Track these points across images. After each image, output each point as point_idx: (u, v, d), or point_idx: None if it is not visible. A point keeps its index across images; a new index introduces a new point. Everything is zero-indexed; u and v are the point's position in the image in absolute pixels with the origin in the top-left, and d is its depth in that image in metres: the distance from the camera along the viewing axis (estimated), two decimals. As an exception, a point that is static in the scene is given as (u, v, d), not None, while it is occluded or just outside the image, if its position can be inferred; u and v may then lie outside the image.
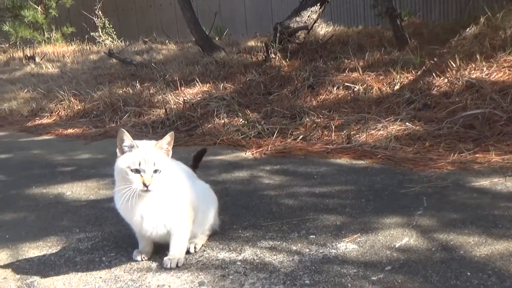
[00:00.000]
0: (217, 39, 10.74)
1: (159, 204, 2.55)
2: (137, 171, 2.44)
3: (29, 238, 3.14)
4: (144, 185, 2.42)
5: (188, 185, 2.74)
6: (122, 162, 2.48)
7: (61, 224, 3.35)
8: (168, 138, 2.54)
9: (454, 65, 5.82)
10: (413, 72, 6.19)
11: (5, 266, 2.76)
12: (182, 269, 2.57)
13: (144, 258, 2.71)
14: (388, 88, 6.01)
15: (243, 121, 5.66)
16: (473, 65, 5.79)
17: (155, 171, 2.45)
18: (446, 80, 5.68)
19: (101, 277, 2.56)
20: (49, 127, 7.17)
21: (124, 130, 2.50)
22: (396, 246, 2.67)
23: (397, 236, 2.79)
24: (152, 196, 2.52)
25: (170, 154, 2.60)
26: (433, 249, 2.62)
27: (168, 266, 2.58)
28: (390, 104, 5.58)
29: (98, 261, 2.75)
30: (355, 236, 2.83)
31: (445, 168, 3.90)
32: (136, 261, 2.69)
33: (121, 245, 2.91)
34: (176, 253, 2.64)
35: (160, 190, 2.50)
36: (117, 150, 2.52)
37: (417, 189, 3.52)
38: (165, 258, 2.63)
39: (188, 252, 2.73)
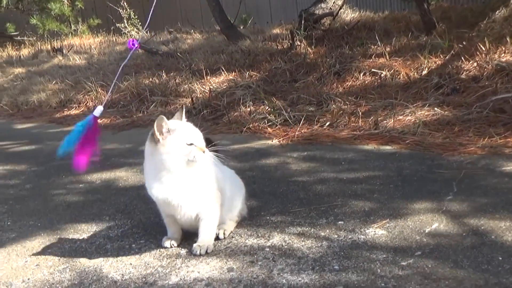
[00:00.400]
0: (242, 27, 10.73)
1: (190, 185, 2.60)
2: (191, 144, 2.56)
3: (60, 226, 3.20)
4: (203, 151, 2.57)
5: (215, 170, 2.77)
6: (173, 142, 2.55)
7: (92, 212, 3.40)
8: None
9: (483, 49, 5.71)
10: (441, 57, 6.10)
11: (38, 254, 2.81)
12: (211, 256, 2.58)
13: (173, 245, 2.73)
14: (415, 73, 5.93)
15: (269, 109, 5.65)
16: (503, 48, 5.68)
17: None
18: (475, 64, 5.58)
19: (131, 264, 2.59)
20: (78, 118, 7.22)
21: (163, 116, 2.56)
22: (426, 232, 2.64)
23: (427, 222, 2.76)
24: (183, 177, 2.57)
25: None
26: (463, 234, 2.58)
27: (198, 252, 2.60)
28: (418, 89, 5.51)
29: (128, 248, 2.79)
30: (384, 221, 2.81)
31: (475, 153, 3.84)
32: (165, 247, 2.72)
33: (151, 232, 2.94)
34: (205, 239, 2.66)
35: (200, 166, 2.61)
36: (157, 135, 2.54)
37: (447, 174, 3.47)
38: (194, 245, 2.65)
39: (217, 238, 2.74)
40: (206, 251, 2.62)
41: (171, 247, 2.73)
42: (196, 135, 2.61)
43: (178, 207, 2.63)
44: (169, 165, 2.54)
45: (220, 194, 2.75)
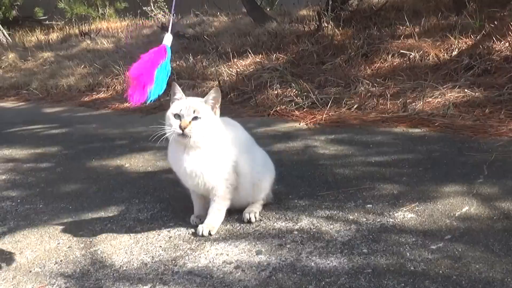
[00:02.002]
0: (268, 9, 10.66)
1: (203, 159, 2.60)
2: (178, 116, 2.56)
3: (91, 209, 3.24)
4: (180, 128, 2.52)
5: (236, 152, 2.73)
6: (169, 110, 2.61)
7: (121, 195, 3.44)
8: (213, 93, 2.63)
9: (515, 28, 5.60)
10: (472, 37, 5.99)
11: (70, 236, 2.86)
12: (240, 238, 2.60)
13: (195, 222, 2.80)
14: (445, 54, 5.84)
15: (296, 92, 5.63)
16: (536, 28, 5.55)
17: (195, 118, 2.54)
18: (507, 44, 5.47)
19: (161, 246, 2.62)
20: (106, 102, 7.33)
21: (176, 83, 2.63)
22: (456, 215, 2.62)
23: (457, 205, 2.73)
24: (196, 150, 2.59)
25: (218, 112, 2.66)
26: (494, 217, 2.55)
27: (200, 233, 2.65)
28: (448, 70, 5.43)
29: (157, 230, 2.82)
30: (413, 205, 2.79)
31: (507, 135, 3.78)
32: (194, 226, 2.76)
33: (179, 215, 2.96)
34: (210, 221, 2.71)
35: (201, 140, 2.57)
36: (170, 103, 2.63)
37: (477, 157, 3.42)
38: (199, 226, 2.70)
39: (249, 221, 2.76)
40: (209, 233, 2.66)
41: (194, 223, 2.79)
42: (185, 109, 2.55)
43: (191, 184, 2.69)
44: (167, 134, 2.57)
45: (238, 176, 2.73)
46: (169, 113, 2.59)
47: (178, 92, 2.64)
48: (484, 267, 2.12)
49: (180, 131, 2.52)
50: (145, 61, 2.50)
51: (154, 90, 2.47)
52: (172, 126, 2.55)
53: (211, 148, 2.61)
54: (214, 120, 2.63)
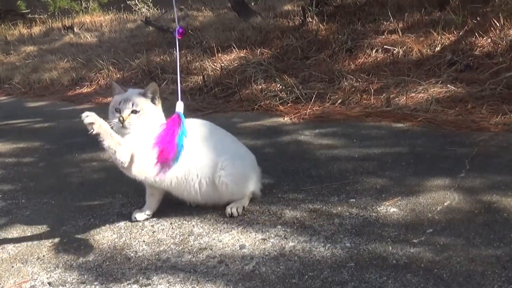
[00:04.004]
0: (253, 4, 10.65)
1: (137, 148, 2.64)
2: (117, 110, 2.64)
3: (74, 204, 3.23)
4: (120, 121, 2.61)
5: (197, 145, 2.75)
6: (110, 104, 2.71)
7: (105, 190, 3.43)
8: (151, 87, 2.72)
9: (497, 25, 5.64)
10: (455, 33, 6.03)
11: (52, 231, 2.85)
12: (224, 233, 2.60)
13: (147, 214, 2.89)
14: (428, 50, 5.87)
15: (280, 87, 5.63)
16: (518, 24, 5.60)
17: (134, 111, 2.63)
18: (489, 40, 5.52)
19: (144, 241, 2.61)
20: (90, 96, 7.29)
21: (114, 82, 2.80)
22: (438, 209, 2.64)
23: (439, 199, 2.76)
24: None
25: (158, 103, 2.73)
26: (475, 211, 2.58)
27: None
28: (431, 66, 5.47)
29: (141, 225, 2.81)
30: (395, 199, 2.81)
31: (488, 130, 3.82)
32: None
33: (163, 210, 2.95)
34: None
35: (139, 132, 2.63)
36: (111, 98, 2.75)
37: (459, 152, 3.46)
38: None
39: (231, 215, 2.77)
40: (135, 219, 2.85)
41: (147, 216, 2.89)
42: (124, 102, 2.63)
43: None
44: (112, 127, 2.61)
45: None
46: (110, 107, 2.70)
47: (117, 88, 2.75)
48: (465, 260, 2.14)
49: (120, 124, 2.61)
50: (165, 133, 2.48)
51: (177, 156, 2.45)
52: (113, 120, 2.63)
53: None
54: (155, 112, 2.70)
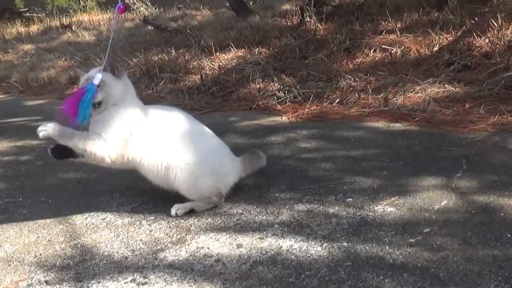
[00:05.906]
0: (251, 3, 10.64)
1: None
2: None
3: (71, 202, 3.23)
4: None
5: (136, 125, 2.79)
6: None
7: (102, 189, 3.42)
8: (108, 61, 2.84)
9: (495, 25, 5.65)
10: (453, 33, 6.03)
11: (49, 230, 2.85)
12: (221, 232, 2.60)
13: None
14: (426, 50, 5.88)
15: (278, 86, 5.63)
16: (516, 24, 5.61)
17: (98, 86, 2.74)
18: (487, 41, 5.52)
19: (141, 240, 2.61)
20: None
21: (80, 70, 3.01)
22: (435, 209, 2.65)
23: (436, 199, 2.76)
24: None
25: (122, 73, 2.85)
26: (472, 211, 2.59)
27: None
28: (429, 66, 5.47)
29: (138, 224, 2.81)
30: (392, 199, 2.81)
31: (486, 130, 3.82)
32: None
33: (160, 208, 2.95)
34: None
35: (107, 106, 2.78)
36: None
37: (457, 152, 3.46)
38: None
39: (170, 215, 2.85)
40: None
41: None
42: (85, 80, 2.80)
43: None
44: None
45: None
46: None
47: (81, 75, 2.90)
48: (462, 260, 2.15)
49: None
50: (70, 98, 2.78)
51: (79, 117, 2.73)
52: None
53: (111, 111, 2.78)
54: (117, 84, 2.80)
